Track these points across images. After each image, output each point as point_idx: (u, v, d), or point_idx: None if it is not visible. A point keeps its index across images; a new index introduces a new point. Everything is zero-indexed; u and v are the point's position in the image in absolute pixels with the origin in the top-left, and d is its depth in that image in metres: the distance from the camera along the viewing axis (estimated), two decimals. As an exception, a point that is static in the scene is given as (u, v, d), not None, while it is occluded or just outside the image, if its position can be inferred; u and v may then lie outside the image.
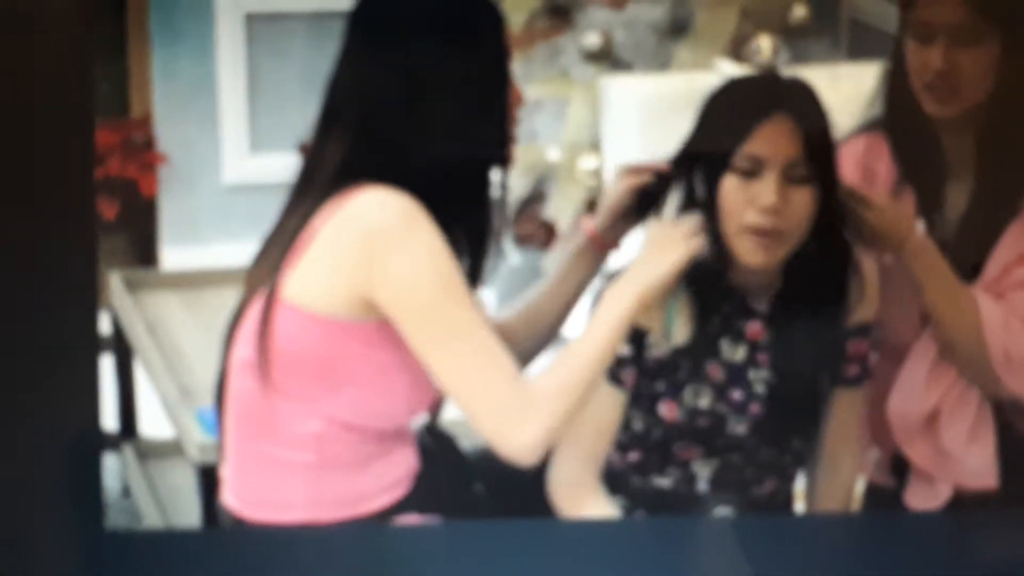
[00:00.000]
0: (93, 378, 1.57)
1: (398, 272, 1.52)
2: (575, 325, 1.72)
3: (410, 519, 1.63)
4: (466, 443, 1.71)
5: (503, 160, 1.60)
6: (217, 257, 2.97)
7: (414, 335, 1.53)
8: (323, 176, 1.56)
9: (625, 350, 1.67)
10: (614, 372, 1.68)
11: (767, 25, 2.58)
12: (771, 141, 1.61)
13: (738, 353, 1.69)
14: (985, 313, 1.73)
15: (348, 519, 1.59)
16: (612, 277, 1.66)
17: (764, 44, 2.53)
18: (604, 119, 2.54)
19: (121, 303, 2.73)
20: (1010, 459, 1.78)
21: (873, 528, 1.74)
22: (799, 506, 1.80)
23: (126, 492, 2.69)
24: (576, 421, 1.67)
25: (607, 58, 2.58)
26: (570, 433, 1.68)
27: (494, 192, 1.59)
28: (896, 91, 1.78)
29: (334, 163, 1.55)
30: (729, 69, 2.50)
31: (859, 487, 1.83)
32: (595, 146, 2.56)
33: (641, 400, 1.70)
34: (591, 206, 2.56)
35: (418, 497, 1.62)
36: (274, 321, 1.55)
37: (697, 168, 1.65)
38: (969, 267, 1.75)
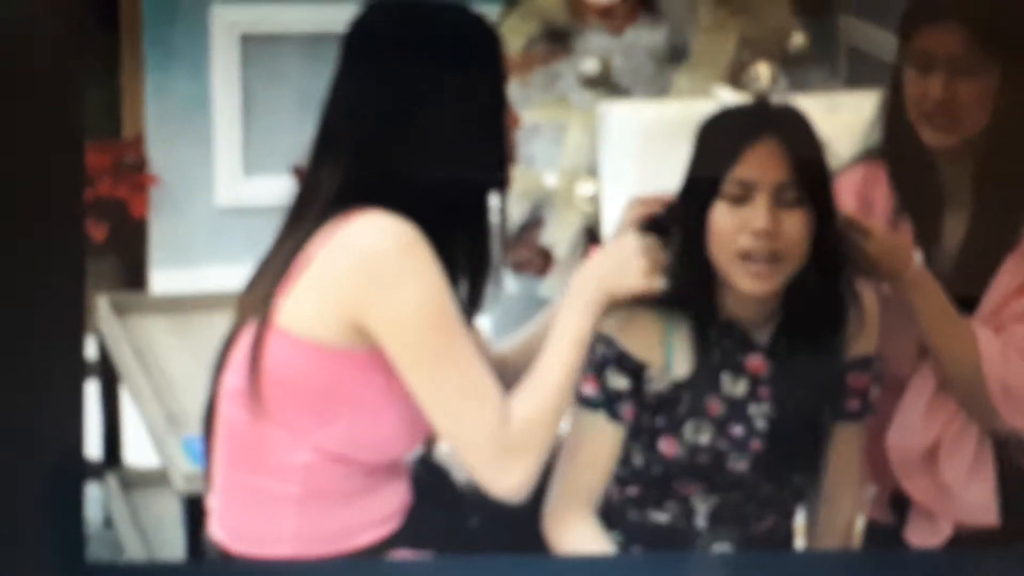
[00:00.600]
0: (77, 404, 1.55)
1: (391, 299, 1.50)
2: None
3: (402, 555, 1.60)
4: (460, 476, 1.68)
5: (501, 184, 1.58)
6: (208, 281, 2.94)
7: (403, 364, 1.52)
8: (319, 201, 1.54)
9: (624, 384, 1.66)
10: (612, 407, 1.66)
11: (766, 53, 2.58)
12: (759, 165, 1.61)
13: (739, 387, 1.68)
14: (984, 346, 1.72)
15: (337, 554, 1.57)
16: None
17: (762, 72, 2.53)
18: (602, 145, 2.53)
19: (108, 327, 2.71)
20: (1011, 495, 1.77)
21: (873, 565, 1.72)
22: (799, 542, 1.77)
23: (108, 523, 2.66)
24: (573, 455, 1.65)
25: (605, 84, 2.57)
26: (566, 467, 1.66)
27: (493, 217, 1.58)
28: (894, 120, 1.78)
29: (330, 188, 1.54)
30: (727, 96, 2.50)
31: (860, 523, 1.81)
32: (593, 172, 2.55)
33: (641, 435, 1.68)
34: (589, 233, 2.55)
35: (410, 532, 1.60)
36: (266, 348, 1.53)
37: (689, 197, 1.65)
38: (967, 299, 1.74)
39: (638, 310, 1.65)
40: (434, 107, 1.53)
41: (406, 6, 1.57)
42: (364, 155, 1.53)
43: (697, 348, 1.66)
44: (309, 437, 1.54)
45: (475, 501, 1.67)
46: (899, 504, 1.80)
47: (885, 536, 1.81)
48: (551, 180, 2.60)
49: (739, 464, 1.68)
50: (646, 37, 2.61)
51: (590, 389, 1.66)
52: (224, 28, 3.18)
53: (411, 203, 1.51)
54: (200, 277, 3.03)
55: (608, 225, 2.44)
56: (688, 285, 1.64)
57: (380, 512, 1.58)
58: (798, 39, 2.64)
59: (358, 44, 1.56)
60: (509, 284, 2.54)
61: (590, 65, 2.60)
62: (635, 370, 1.66)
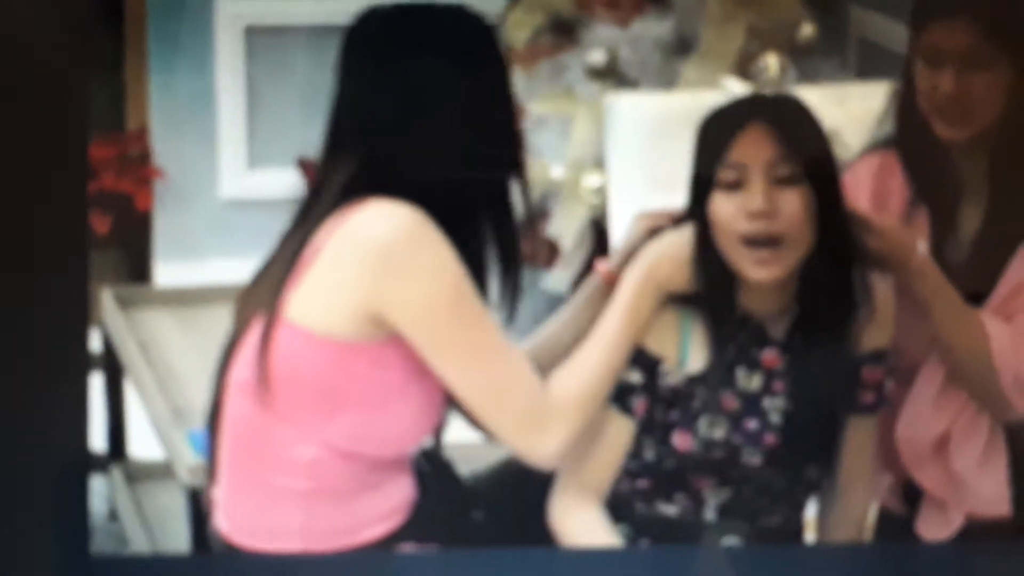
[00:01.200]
0: (82, 397, 1.55)
1: (409, 287, 1.49)
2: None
3: (406, 549, 1.59)
4: (464, 469, 1.67)
5: (517, 173, 1.57)
6: (213, 274, 2.94)
7: (429, 351, 1.51)
8: (329, 195, 1.53)
9: (636, 377, 1.65)
10: (624, 400, 1.66)
11: (774, 43, 2.57)
12: (749, 147, 1.61)
13: (753, 382, 1.67)
14: (994, 336, 1.71)
15: (342, 549, 1.56)
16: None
17: (771, 63, 2.51)
18: (609, 137, 2.52)
19: (113, 320, 2.70)
20: (1023, 486, 1.75)
21: (883, 559, 1.71)
22: (809, 536, 1.76)
23: (113, 515, 2.66)
24: (582, 448, 1.64)
25: (612, 75, 2.56)
26: (575, 460, 1.65)
27: (515, 209, 1.57)
28: (907, 112, 1.77)
29: (341, 182, 1.53)
30: (736, 88, 2.48)
31: (872, 514, 1.80)
32: (599, 164, 2.55)
33: (654, 429, 1.67)
34: (596, 226, 2.54)
35: (415, 526, 1.59)
36: (275, 342, 1.52)
37: (691, 194, 1.65)
38: (982, 290, 1.73)
39: None
40: (437, 104, 1.53)
41: (404, 7, 1.57)
42: (375, 152, 1.53)
43: (712, 343, 1.65)
44: (316, 432, 1.53)
45: (480, 494, 1.67)
46: (912, 495, 1.79)
47: (897, 526, 1.80)
48: (557, 172, 2.59)
49: (753, 458, 1.67)
50: (653, 28, 2.60)
51: (601, 382, 1.65)
52: (228, 20, 3.17)
53: (427, 198, 1.50)
54: (204, 270, 3.03)
55: (615, 217, 2.44)
56: (706, 281, 1.63)
57: (385, 507, 1.57)
58: (807, 30, 2.63)
59: (358, 43, 1.56)
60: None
61: (597, 57, 2.59)
62: (650, 364, 1.65)
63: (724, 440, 1.66)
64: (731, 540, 1.68)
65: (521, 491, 1.68)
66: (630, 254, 1.69)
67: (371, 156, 1.53)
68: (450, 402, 1.57)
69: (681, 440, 1.66)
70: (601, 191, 2.54)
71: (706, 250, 1.63)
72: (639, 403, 1.66)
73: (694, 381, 1.65)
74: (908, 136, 1.77)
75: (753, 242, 1.61)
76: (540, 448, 1.53)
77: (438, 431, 1.63)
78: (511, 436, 1.53)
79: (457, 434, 1.61)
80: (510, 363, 1.51)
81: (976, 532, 1.74)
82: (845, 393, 1.69)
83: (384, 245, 1.49)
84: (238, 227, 3.08)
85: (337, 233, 1.51)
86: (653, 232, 1.67)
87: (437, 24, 1.56)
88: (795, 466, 1.69)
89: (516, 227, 1.57)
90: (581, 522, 1.66)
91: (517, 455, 1.55)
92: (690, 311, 1.65)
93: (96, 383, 2.67)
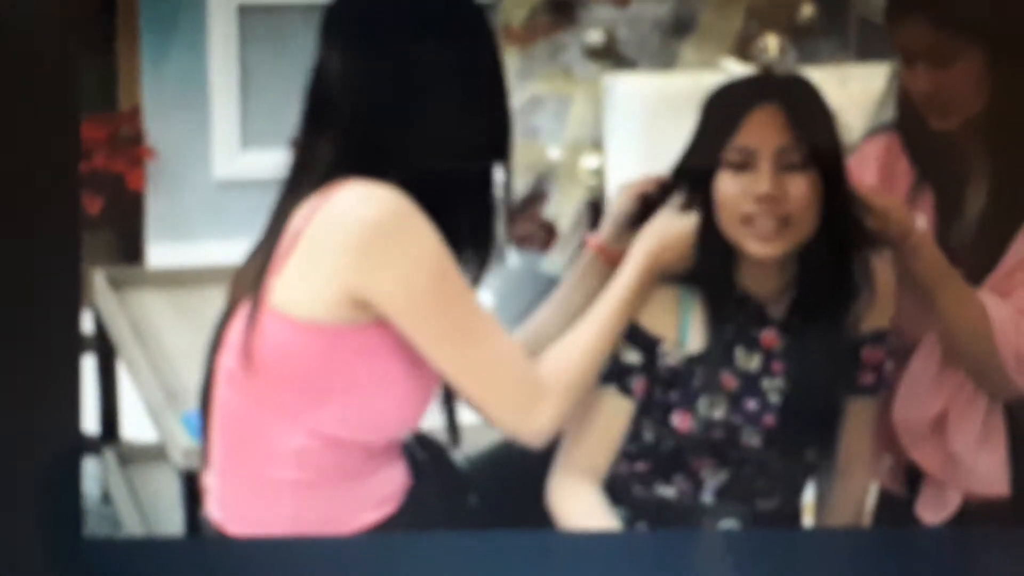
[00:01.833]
0: (74, 379, 1.55)
1: (393, 269, 1.48)
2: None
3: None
4: (457, 453, 1.66)
5: (500, 156, 1.56)
6: (206, 255, 2.92)
7: (416, 333, 1.50)
8: (313, 176, 1.52)
9: (636, 358, 1.64)
10: (623, 380, 1.65)
11: (774, 24, 2.55)
12: (759, 131, 1.60)
13: (752, 362, 1.66)
14: (993, 313, 1.70)
15: (333, 538, 1.55)
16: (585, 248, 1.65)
17: (771, 43, 2.50)
18: (607, 117, 2.50)
19: (105, 301, 2.69)
20: (1022, 465, 1.75)
21: (881, 543, 1.71)
22: (806, 520, 1.76)
23: (106, 498, 2.65)
24: (581, 430, 1.63)
25: (610, 55, 2.54)
26: (573, 441, 1.64)
27: (496, 191, 1.56)
28: (904, 101, 1.78)
29: (324, 161, 1.51)
30: (735, 68, 2.47)
31: (871, 497, 1.79)
32: (597, 145, 2.53)
33: (653, 410, 1.66)
34: (594, 207, 2.53)
35: (409, 513, 1.58)
36: (258, 328, 1.50)
37: (693, 171, 1.64)
38: (987, 269, 1.73)
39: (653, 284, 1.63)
40: (423, 84, 1.52)
41: None
42: (356, 130, 1.51)
43: (711, 322, 1.64)
44: (304, 420, 1.52)
45: (474, 477, 1.66)
46: (912, 477, 1.78)
47: (897, 509, 1.80)
48: (555, 153, 2.57)
49: (752, 439, 1.67)
50: (652, 8, 2.58)
51: (600, 363, 1.64)
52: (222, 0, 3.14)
53: (409, 177, 1.49)
54: (197, 251, 3.01)
55: (613, 199, 2.42)
56: (705, 260, 1.62)
57: (378, 494, 1.56)
58: (807, 10, 2.61)
59: (343, 19, 1.54)
60: (512, 259, 2.52)
61: (595, 36, 2.57)
62: (649, 345, 1.64)
63: (723, 420, 1.65)
64: (729, 523, 1.68)
65: (516, 474, 1.68)
66: (620, 225, 1.69)
67: (353, 135, 1.51)
68: (441, 386, 1.56)
69: (680, 420, 1.65)
70: (599, 172, 2.52)
71: (707, 226, 1.62)
72: (638, 383, 1.65)
73: (693, 361, 1.65)
74: (907, 123, 1.78)
75: (755, 222, 1.60)
76: (531, 426, 1.53)
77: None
78: (501, 415, 1.52)
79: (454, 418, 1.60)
80: (498, 343, 1.51)
81: (975, 513, 1.74)
82: (844, 374, 1.69)
83: (367, 227, 1.47)
84: (231, 208, 3.07)
85: (318, 215, 1.49)
86: (642, 199, 1.66)
87: (425, 1, 1.54)
88: (794, 448, 1.68)
89: (493, 211, 1.55)
90: (580, 504, 1.66)
91: (508, 434, 1.54)
92: (689, 291, 1.64)
93: (88, 365, 2.65)
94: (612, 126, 2.50)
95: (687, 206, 1.64)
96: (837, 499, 1.73)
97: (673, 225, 1.63)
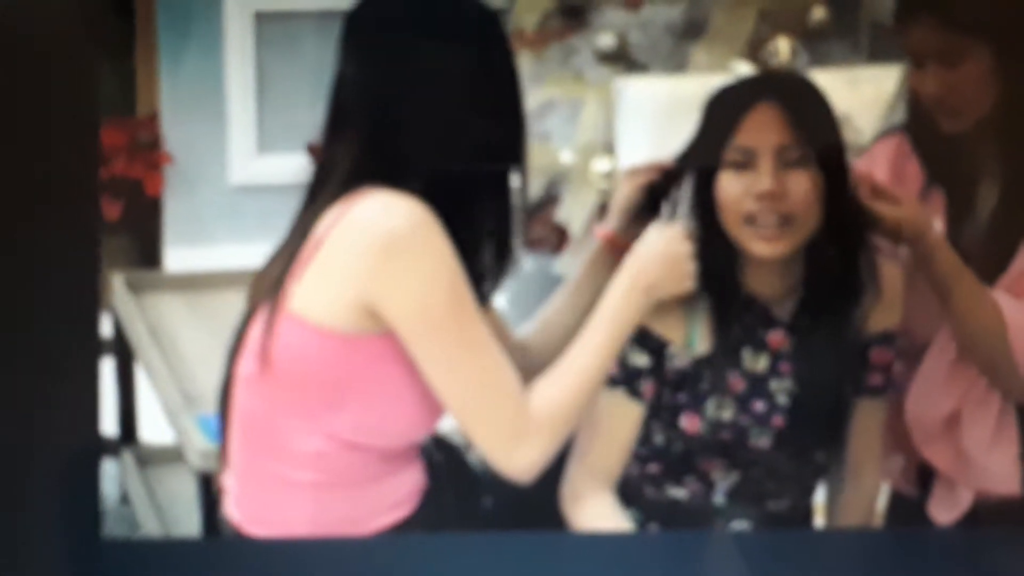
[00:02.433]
0: (93, 382, 1.56)
1: (406, 282, 1.48)
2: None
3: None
4: (474, 456, 1.67)
5: (516, 162, 1.56)
6: (223, 259, 2.94)
7: (417, 348, 1.51)
8: (334, 182, 1.53)
9: (644, 361, 1.64)
10: (632, 384, 1.65)
11: (785, 27, 2.55)
12: (759, 130, 1.61)
13: (760, 363, 1.67)
14: (1008, 312, 1.70)
15: (350, 539, 1.56)
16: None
17: (782, 46, 2.50)
18: (619, 121, 2.51)
19: (123, 305, 2.71)
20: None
21: (892, 544, 1.71)
22: (818, 520, 1.76)
23: (124, 499, 2.66)
24: (592, 433, 1.64)
25: (622, 59, 2.55)
26: (585, 445, 1.65)
27: (514, 197, 1.57)
28: (914, 103, 1.78)
29: (345, 168, 1.53)
30: (746, 71, 2.48)
31: (882, 498, 1.80)
32: (609, 148, 2.54)
33: (662, 412, 1.67)
34: (603, 210, 2.54)
35: (425, 515, 1.59)
36: (277, 333, 1.51)
37: (694, 170, 1.64)
38: (999, 269, 1.73)
39: None
40: (440, 89, 1.52)
41: None
42: (375, 137, 1.52)
43: (718, 324, 1.65)
44: (321, 424, 1.53)
45: (490, 482, 1.66)
46: (924, 477, 1.78)
47: (909, 509, 1.80)
48: (567, 157, 2.58)
49: (761, 440, 1.67)
50: (663, 12, 2.58)
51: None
52: (238, 6, 3.16)
53: (427, 184, 1.50)
54: (214, 255, 3.03)
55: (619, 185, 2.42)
56: (710, 262, 1.62)
57: (395, 496, 1.57)
58: (819, 13, 2.61)
59: (361, 26, 1.55)
60: (524, 262, 2.53)
61: (606, 40, 2.58)
62: (656, 347, 1.65)
63: (732, 422, 1.66)
64: (740, 524, 1.69)
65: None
66: (626, 212, 1.69)
67: (372, 142, 1.52)
68: None
69: (689, 422, 1.66)
70: (611, 175, 2.53)
71: (710, 229, 1.62)
72: (647, 386, 1.65)
73: (701, 363, 1.65)
74: (917, 125, 1.78)
75: (757, 220, 1.60)
76: (516, 461, 1.51)
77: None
78: (488, 448, 1.52)
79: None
80: (495, 371, 1.50)
81: (987, 513, 1.75)
82: (852, 375, 1.70)
83: (386, 237, 1.48)
84: (248, 212, 3.08)
85: (340, 224, 1.51)
86: (648, 190, 1.65)
87: (440, 8, 1.55)
88: (803, 449, 1.69)
89: (511, 218, 1.56)
90: (593, 508, 1.66)
91: (493, 467, 1.53)
92: (696, 294, 1.64)
93: (107, 368, 2.67)
94: (624, 129, 2.50)
95: (688, 208, 1.64)
96: (848, 500, 1.73)
97: (655, 247, 1.59)
